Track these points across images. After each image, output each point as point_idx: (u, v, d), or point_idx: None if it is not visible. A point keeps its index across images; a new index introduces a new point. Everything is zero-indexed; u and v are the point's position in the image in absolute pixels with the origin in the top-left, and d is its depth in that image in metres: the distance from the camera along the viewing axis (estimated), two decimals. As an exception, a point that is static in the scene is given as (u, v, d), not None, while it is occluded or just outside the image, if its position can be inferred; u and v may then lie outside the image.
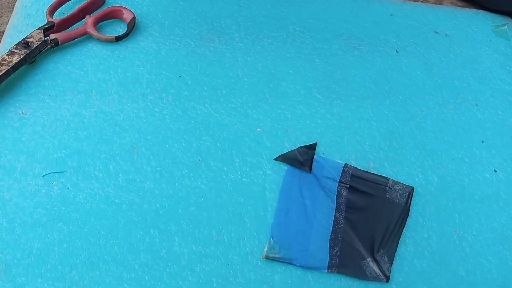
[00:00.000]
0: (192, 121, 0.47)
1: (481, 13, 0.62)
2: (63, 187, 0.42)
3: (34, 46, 0.48)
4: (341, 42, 0.56)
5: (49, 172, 0.42)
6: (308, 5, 0.59)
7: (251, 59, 0.53)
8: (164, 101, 0.48)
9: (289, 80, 0.51)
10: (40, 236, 0.39)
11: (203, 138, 0.46)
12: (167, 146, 0.45)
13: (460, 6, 0.62)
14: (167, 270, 0.39)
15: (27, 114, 0.46)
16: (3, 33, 0.51)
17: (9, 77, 0.47)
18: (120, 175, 0.43)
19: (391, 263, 0.41)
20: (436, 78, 0.54)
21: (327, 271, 0.40)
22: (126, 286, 0.38)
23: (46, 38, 0.49)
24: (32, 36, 0.49)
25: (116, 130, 0.45)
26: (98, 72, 0.49)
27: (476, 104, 0.53)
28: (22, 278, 0.37)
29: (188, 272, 0.39)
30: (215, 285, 0.39)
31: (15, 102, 0.46)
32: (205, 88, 0.50)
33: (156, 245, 0.40)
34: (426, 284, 0.41)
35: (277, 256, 0.40)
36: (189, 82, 0.50)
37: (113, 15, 0.53)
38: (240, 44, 0.54)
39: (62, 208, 0.41)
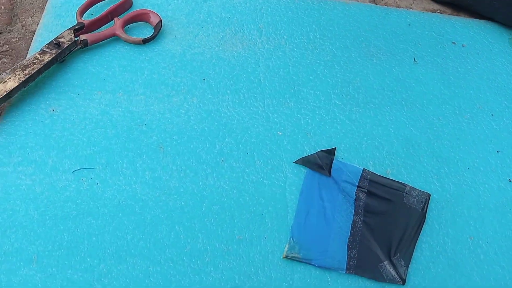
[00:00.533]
0: (216, 123, 0.49)
1: (498, 25, 0.63)
2: (92, 183, 0.44)
3: (65, 46, 0.50)
4: (360, 50, 0.58)
5: (78, 168, 0.44)
6: (328, 13, 0.61)
7: (273, 65, 0.55)
8: (189, 103, 0.50)
9: (309, 85, 0.53)
10: (70, 229, 0.41)
11: (226, 139, 0.48)
12: (192, 146, 0.47)
13: (476, 17, 0.64)
14: (191, 265, 0.41)
15: (57, 111, 0.48)
16: (34, 33, 0.53)
17: (41, 76, 0.49)
18: (146, 173, 0.45)
19: (407, 267, 0.43)
20: (452, 88, 0.56)
21: (345, 272, 0.42)
22: (152, 280, 0.40)
23: (76, 39, 0.51)
24: (63, 36, 0.51)
25: (143, 130, 0.48)
26: (126, 73, 0.51)
27: (492, 115, 0.54)
28: (53, 269, 0.39)
29: (212, 268, 0.41)
30: (237, 281, 0.41)
31: (46, 100, 0.49)
32: (228, 92, 0.52)
33: (181, 241, 0.42)
34: (441, 287, 0.42)
35: (297, 256, 0.42)
36: (213, 85, 0.52)
37: (140, 18, 0.56)
38: (262, 50, 0.56)
39: (91, 203, 0.43)
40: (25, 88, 0.48)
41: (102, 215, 0.42)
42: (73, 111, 0.48)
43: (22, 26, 0.55)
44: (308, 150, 0.49)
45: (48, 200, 0.42)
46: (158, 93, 0.50)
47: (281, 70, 0.54)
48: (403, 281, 0.42)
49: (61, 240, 0.41)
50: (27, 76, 0.47)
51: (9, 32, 0.54)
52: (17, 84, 0.47)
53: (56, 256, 0.40)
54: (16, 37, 0.54)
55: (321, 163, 0.48)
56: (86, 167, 0.45)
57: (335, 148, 0.49)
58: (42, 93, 0.49)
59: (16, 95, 0.47)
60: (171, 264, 0.41)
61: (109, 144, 0.46)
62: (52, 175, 0.44)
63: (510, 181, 0.49)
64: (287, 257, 0.42)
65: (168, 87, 0.51)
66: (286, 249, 0.42)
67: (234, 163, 0.47)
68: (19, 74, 0.47)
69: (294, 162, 0.48)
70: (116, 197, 0.43)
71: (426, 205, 0.46)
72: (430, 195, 0.47)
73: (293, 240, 0.43)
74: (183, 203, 0.44)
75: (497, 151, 0.51)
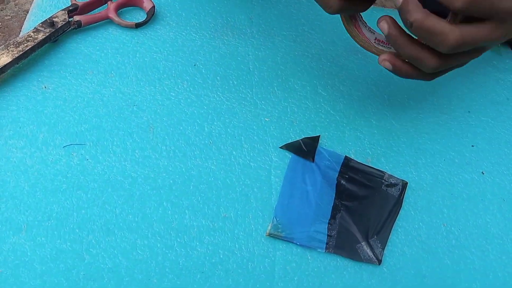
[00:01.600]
0: (205, 107, 0.52)
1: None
2: (83, 158, 0.46)
3: (59, 26, 0.52)
4: (346, 44, 0.61)
5: (69, 144, 0.46)
6: (316, 7, 0.65)
7: (262, 54, 0.58)
8: (180, 86, 0.53)
9: (296, 76, 0.57)
10: (60, 202, 0.43)
11: (215, 123, 0.51)
12: (181, 128, 0.50)
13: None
14: (178, 240, 0.43)
15: (49, 89, 0.50)
16: (27, 12, 0.55)
17: (34, 53, 0.51)
18: (136, 151, 0.47)
19: (383, 248, 0.46)
20: (433, 85, 0.60)
21: (325, 251, 0.45)
22: (139, 252, 0.42)
23: (70, 19, 0.53)
24: (57, 16, 0.53)
25: (134, 110, 0.50)
26: (118, 55, 0.54)
27: (469, 111, 0.59)
28: (42, 238, 0.41)
29: (197, 243, 0.43)
30: (221, 256, 0.43)
31: (38, 77, 0.50)
32: (218, 78, 0.55)
33: (168, 217, 0.44)
34: (414, 269, 0.46)
35: (279, 234, 0.45)
36: (203, 71, 0.55)
37: (134, 2, 0.58)
38: (252, 40, 0.59)
39: (81, 177, 0.45)
40: (18, 65, 0.50)
41: (92, 189, 0.44)
42: (65, 89, 0.50)
43: (15, 4, 0.57)
44: (294, 136, 0.52)
45: (39, 173, 0.44)
46: (149, 76, 0.53)
47: (270, 60, 0.57)
48: (379, 261, 0.45)
49: (50, 211, 0.43)
50: (21, 53, 0.49)
51: (1, 10, 0.56)
52: (10, 60, 0.48)
53: (45, 227, 0.42)
54: (9, 15, 0.56)
55: (305, 149, 0.51)
56: (77, 143, 0.47)
57: (319, 136, 0.52)
58: (34, 70, 0.51)
59: (8, 71, 0.49)
60: (158, 238, 0.43)
61: (100, 122, 0.48)
62: (43, 149, 0.46)
63: (483, 173, 0.53)
64: (270, 235, 0.45)
65: (159, 70, 0.53)
66: (269, 227, 0.45)
67: (222, 146, 0.50)
68: (12, 51, 0.49)
69: (280, 147, 0.51)
70: (106, 173, 0.45)
71: (403, 192, 0.50)
72: (407, 183, 0.50)
73: (276, 219, 0.46)
74: (171, 181, 0.46)
75: (472, 145, 0.55)
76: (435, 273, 0.46)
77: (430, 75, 0.41)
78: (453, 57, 0.37)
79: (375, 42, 0.45)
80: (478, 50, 0.37)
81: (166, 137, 0.49)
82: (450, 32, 0.33)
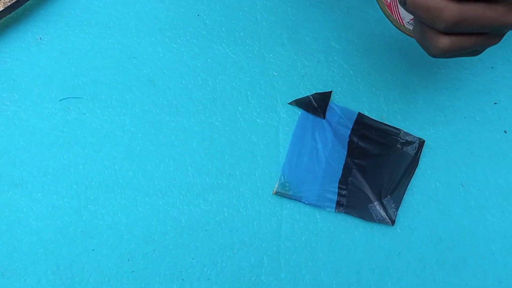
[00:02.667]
0: (209, 60, 0.49)
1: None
2: (80, 113, 0.44)
3: (53, -27, 0.49)
4: (362, -5, 0.57)
5: (66, 97, 0.44)
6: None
7: (271, 4, 0.54)
8: (182, 38, 0.49)
9: (307, 27, 0.53)
10: (56, 157, 0.41)
11: (219, 77, 0.48)
12: (184, 82, 0.47)
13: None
14: (180, 197, 0.41)
15: (44, 40, 0.47)
16: (20, -41, 0.51)
17: (28, 2, 0.48)
18: (136, 106, 0.45)
19: (397, 209, 0.44)
20: (454, 38, 0.56)
21: (335, 211, 0.43)
22: (140, 209, 0.40)
23: (65, -34, 0.50)
24: (51, -37, 0.50)
25: (133, 63, 0.47)
26: (117, 5, 0.50)
27: (492, 67, 0.54)
28: (38, 194, 0.40)
29: (201, 201, 0.41)
30: (226, 214, 0.41)
31: (33, 28, 0.48)
32: (223, 29, 0.51)
33: (170, 174, 0.42)
34: (429, 230, 0.43)
35: (287, 193, 0.43)
36: (207, 21, 0.51)
37: (134, -51, 0.54)
38: (260, -10, 0.55)
39: (79, 132, 0.43)
40: (10, 15, 0.47)
41: (90, 145, 0.42)
42: (61, 40, 0.47)
43: (8, -49, 0.53)
44: (304, 92, 0.49)
45: (34, 127, 0.42)
46: (149, 27, 0.50)
47: (279, 10, 0.53)
48: (393, 222, 0.43)
49: (46, 166, 0.41)
50: (13, 1, 0.46)
51: (-6, -43, 0.53)
52: (2, 8, 0.46)
53: (41, 182, 0.40)
54: (1, -37, 0.52)
55: (316, 105, 0.48)
56: (74, 96, 0.44)
57: (331, 91, 0.49)
58: (28, 21, 0.48)
59: (1, 21, 0.46)
60: (159, 195, 0.41)
61: (98, 75, 0.46)
62: (38, 103, 0.43)
63: (506, 132, 0.50)
64: (277, 193, 0.43)
65: (161, 21, 0.50)
66: (276, 185, 0.43)
67: (227, 101, 0.47)
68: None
69: (289, 103, 0.48)
70: (104, 127, 0.43)
71: (419, 151, 0.47)
72: (424, 141, 0.47)
73: (283, 177, 0.43)
74: (173, 137, 0.44)
75: (495, 103, 0.52)
76: (452, 235, 0.44)
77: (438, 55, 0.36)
78: (459, 38, 0.32)
79: (408, 23, 0.42)
80: (492, 34, 0.32)
81: (167, 91, 0.46)
82: (445, 8, 0.29)
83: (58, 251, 0.39)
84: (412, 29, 0.36)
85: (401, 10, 0.42)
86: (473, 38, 0.32)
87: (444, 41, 0.32)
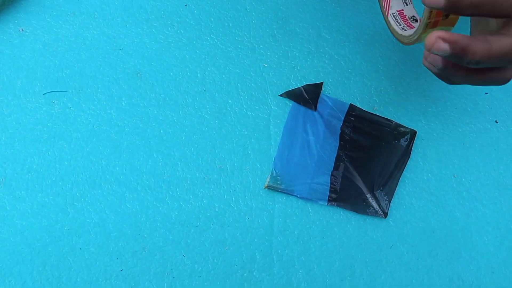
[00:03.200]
0: (198, 51, 0.47)
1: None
2: (65, 107, 0.42)
3: (34, -38, 0.47)
4: (352, -15, 0.56)
5: (50, 91, 0.42)
6: None
7: (260, -6, 0.52)
8: (169, 28, 0.48)
9: (298, 18, 0.52)
10: (40, 153, 0.40)
11: (208, 69, 0.47)
12: (172, 74, 0.46)
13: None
14: (170, 192, 0.40)
15: (27, 31, 0.45)
16: None
17: (8, -8, 0.46)
18: (123, 99, 0.43)
19: (389, 201, 0.43)
20: (445, 28, 0.55)
21: (327, 204, 0.42)
22: (128, 205, 0.39)
23: (46, -45, 0.48)
24: (32, -49, 0.47)
25: (119, 54, 0.45)
26: (101, -5, 0.49)
27: (483, 57, 0.54)
28: (22, 192, 0.38)
29: (191, 196, 0.40)
30: (217, 209, 0.40)
31: (14, 19, 0.46)
32: (212, 20, 0.50)
33: (159, 169, 0.41)
34: (422, 222, 0.43)
35: (278, 186, 0.42)
36: (195, 11, 0.50)
37: None
38: (249, -21, 0.53)
39: (64, 126, 0.41)
40: (-10, 5, 0.45)
41: (75, 140, 0.41)
42: (44, 31, 0.45)
43: None
44: (294, 83, 0.48)
45: (17, 122, 0.41)
46: (136, 17, 0.48)
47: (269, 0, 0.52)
48: (385, 215, 0.42)
49: (30, 163, 0.39)
50: (-8, -10, 0.44)
51: None
52: (-19, -1, 0.44)
53: (25, 179, 0.39)
54: (-21, -49, 0.50)
55: (307, 97, 0.47)
56: (58, 90, 0.43)
57: (322, 82, 0.48)
58: (10, 11, 0.46)
59: (-20, 11, 0.44)
60: (148, 191, 0.40)
61: (83, 67, 0.44)
62: (21, 96, 0.42)
63: (497, 122, 0.50)
64: (268, 187, 0.42)
65: (147, 11, 0.48)
66: (268, 179, 0.42)
67: (216, 94, 0.46)
68: (-17, -12, 0.44)
69: (279, 95, 0.47)
70: (90, 122, 0.42)
71: (411, 142, 0.46)
72: (416, 132, 0.47)
73: (275, 171, 0.42)
74: (161, 131, 0.43)
75: (486, 93, 0.51)
76: (445, 227, 0.43)
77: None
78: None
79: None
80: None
81: (155, 84, 0.45)
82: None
83: (44, 250, 0.37)
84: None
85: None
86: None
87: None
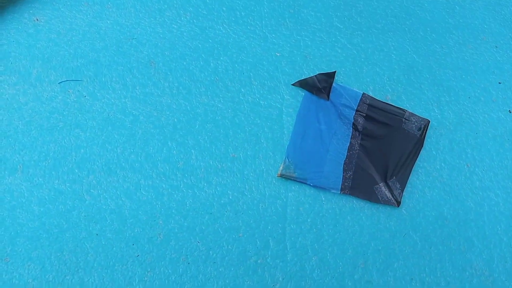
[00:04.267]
0: (210, 41, 0.48)
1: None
2: (80, 95, 0.42)
3: (48, -48, 0.47)
4: (365, -26, 0.56)
5: (65, 80, 0.43)
6: None
7: (272, -16, 0.52)
8: (182, 18, 0.48)
9: (310, 7, 0.52)
10: (57, 140, 0.40)
11: (221, 58, 0.47)
12: (185, 63, 0.46)
13: None
14: (184, 180, 0.40)
15: (41, 21, 0.46)
16: None
17: (22, -18, 0.46)
18: (137, 88, 0.44)
19: (402, 190, 0.43)
20: (457, 17, 0.55)
21: (340, 193, 0.42)
22: (143, 192, 0.39)
23: None
24: None
25: (133, 44, 0.46)
26: (114, -15, 0.49)
27: (496, 46, 0.54)
28: (40, 179, 0.39)
29: (205, 184, 0.41)
30: (230, 197, 0.40)
31: (29, 9, 0.46)
32: (224, 9, 0.50)
33: (173, 157, 0.41)
34: (435, 211, 0.43)
35: (291, 175, 0.42)
36: (208, 1, 0.50)
37: None
38: (261, -32, 0.53)
39: (79, 115, 0.42)
40: (5, -5, 0.45)
41: (91, 128, 0.41)
42: (58, 21, 0.46)
43: None
44: (307, 73, 0.48)
45: (33, 110, 0.41)
46: (149, 7, 0.48)
47: (281, -11, 0.52)
48: (398, 203, 0.43)
49: (47, 150, 0.40)
50: (8, -20, 0.45)
51: None
52: (-4, -12, 0.44)
53: (42, 167, 0.39)
54: None
55: (319, 86, 0.47)
56: (73, 79, 0.43)
57: (335, 71, 0.48)
58: (25, 2, 0.47)
59: (-5, 1, 0.45)
60: (163, 178, 0.40)
61: (97, 57, 0.45)
62: (37, 85, 0.42)
63: (510, 112, 0.49)
64: (282, 176, 0.42)
65: (160, 0, 0.49)
66: (281, 168, 0.42)
67: (229, 83, 0.46)
68: (-2, -22, 0.44)
69: (292, 85, 0.47)
70: (105, 110, 0.42)
71: (424, 131, 0.46)
72: (429, 121, 0.47)
73: (288, 160, 0.43)
74: (175, 120, 0.43)
75: (499, 82, 0.51)
76: (457, 216, 0.44)
77: None
78: None
79: None
80: None
81: (168, 73, 0.45)
82: None
83: (61, 236, 0.38)
84: None
85: None
86: None
87: None
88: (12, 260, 0.37)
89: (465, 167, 0.46)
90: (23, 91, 0.42)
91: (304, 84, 0.47)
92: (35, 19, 0.46)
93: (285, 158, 0.43)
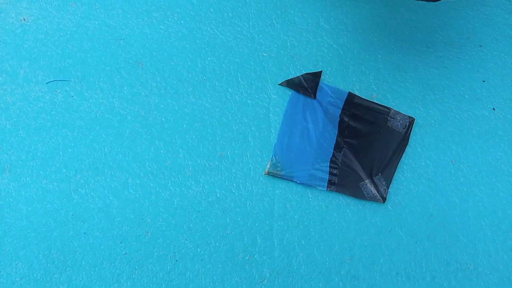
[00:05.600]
0: (198, 41, 0.48)
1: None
2: (67, 95, 0.43)
3: (36, -47, 0.48)
4: (351, -25, 0.57)
5: (52, 80, 0.43)
6: None
7: (259, -15, 0.53)
8: (169, 19, 0.49)
9: (297, 7, 0.52)
10: (44, 140, 0.41)
11: (208, 58, 0.48)
12: (172, 63, 0.47)
13: None
14: (172, 179, 0.41)
15: (29, 21, 0.46)
16: None
17: (9, -17, 0.46)
18: (125, 88, 0.44)
19: (388, 186, 0.44)
20: (442, 17, 0.56)
21: (326, 190, 0.43)
22: (131, 191, 0.40)
23: None
24: None
25: (121, 44, 0.46)
26: (102, -14, 0.49)
27: (480, 45, 0.55)
28: (27, 178, 0.39)
29: (193, 182, 0.41)
30: (218, 195, 0.41)
31: (16, 9, 0.47)
32: (211, 10, 0.50)
33: (161, 156, 0.42)
34: (420, 207, 0.44)
35: (279, 173, 0.43)
36: (195, 2, 0.51)
37: None
38: (248, -31, 0.54)
39: (67, 115, 0.42)
40: (-8, -4, 0.46)
41: (78, 127, 0.42)
42: (45, 21, 0.46)
43: None
44: (294, 72, 0.49)
45: (21, 110, 0.42)
46: (136, 8, 0.49)
47: (268, -10, 0.53)
48: (384, 199, 0.43)
49: (35, 150, 0.40)
50: (-5, -18, 0.45)
51: None
52: (-17, -10, 0.44)
53: (30, 166, 0.40)
54: None
55: (306, 85, 0.47)
56: (61, 79, 0.43)
57: (321, 71, 0.49)
58: (11, 1, 0.47)
59: (-18, 2, 0.45)
60: (151, 177, 0.41)
61: (85, 57, 0.45)
62: (25, 85, 0.43)
63: (494, 109, 0.51)
64: (269, 174, 0.43)
65: (148, 1, 0.49)
66: (268, 166, 0.43)
67: (216, 83, 0.47)
68: (-15, -20, 0.45)
69: (279, 84, 0.48)
70: (93, 110, 0.43)
71: (409, 129, 0.47)
72: (414, 119, 0.48)
73: (275, 158, 0.43)
74: (163, 119, 0.44)
75: (483, 81, 0.52)
76: (442, 211, 0.44)
77: None
78: None
79: None
80: None
81: (156, 73, 0.46)
82: None
83: (49, 235, 0.38)
84: None
85: None
86: None
87: None
88: (0, 259, 0.37)
89: (450, 163, 0.47)
90: (10, 91, 0.42)
91: (291, 83, 0.48)
92: (22, 19, 0.46)
93: (272, 156, 0.44)
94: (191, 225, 0.40)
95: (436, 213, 0.44)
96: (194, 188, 0.41)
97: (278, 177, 0.43)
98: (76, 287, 0.38)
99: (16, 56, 0.44)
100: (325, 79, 0.49)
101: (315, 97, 0.47)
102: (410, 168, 0.46)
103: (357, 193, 0.43)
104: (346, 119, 0.47)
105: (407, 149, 0.47)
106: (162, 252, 0.39)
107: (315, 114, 0.47)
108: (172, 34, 0.48)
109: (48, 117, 0.42)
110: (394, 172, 0.45)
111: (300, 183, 0.43)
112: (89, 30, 0.47)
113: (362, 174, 0.44)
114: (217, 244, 0.40)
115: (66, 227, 0.38)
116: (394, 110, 0.48)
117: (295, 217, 0.42)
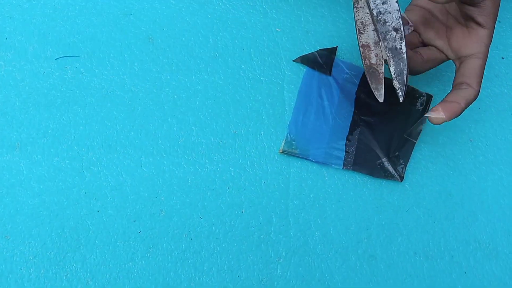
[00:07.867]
0: (209, 16, 0.47)
1: None
2: (77, 72, 0.42)
3: None
4: None
5: (62, 56, 0.42)
6: None
7: (272, -42, 0.51)
8: (180, -7, 0.47)
9: (311, -19, 0.51)
10: (55, 117, 0.40)
11: (221, 34, 0.46)
12: (183, 39, 0.45)
13: None
14: (185, 157, 0.40)
15: (36, -4, 0.45)
16: None
17: (15, -43, 0.45)
18: (135, 64, 0.43)
19: (405, 165, 0.43)
20: (461, -8, 0.54)
21: (342, 168, 0.42)
22: (144, 169, 0.39)
23: None
24: None
25: (131, 19, 0.45)
26: (110, -41, 0.48)
27: (499, 21, 0.53)
28: (38, 156, 0.38)
29: (206, 160, 0.40)
30: (232, 174, 0.40)
31: (22, -17, 0.45)
32: (223, -16, 0.49)
33: (174, 133, 0.41)
34: (438, 186, 0.43)
35: (293, 151, 0.42)
36: (207, -24, 0.49)
37: None
38: None
39: (77, 91, 0.41)
40: (-2, -30, 0.44)
41: (89, 104, 0.41)
42: (53, -4, 0.45)
43: None
44: (308, 48, 0.47)
45: (30, 87, 0.41)
46: (146, -18, 0.47)
47: (281, -37, 0.51)
48: (401, 178, 0.42)
49: (45, 128, 0.39)
50: (0, -46, 0.43)
51: None
52: (-11, -37, 0.43)
53: (41, 144, 0.39)
54: None
55: (321, 61, 0.46)
56: (70, 55, 0.42)
57: (337, 47, 0.47)
58: (18, -24, 0.45)
59: (-12, -24, 0.44)
60: (164, 155, 0.40)
61: (94, 32, 0.44)
62: (34, 62, 0.42)
63: (514, 87, 0.49)
64: (283, 152, 0.42)
65: (158, -25, 0.48)
66: (282, 144, 0.42)
67: (229, 59, 0.45)
68: (-9, -48, 0.43)
69: (293, 61, 0.46)
70: (104, 87, 0.42)
71: (427, 106, 0.46)
72: (432, 96, 0.46)
73: (290, 136, 0.42)
74: (175, 96, 0.42)
75: (502, 57, 0.51)
76: (461, 190, 0.43)
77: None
78: None
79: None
80: None
81: (167, 49, 0.44)
82: None
83: (62, 213, 0.38)
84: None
85: None
86: None
87: None
88: (13, 238, 0.37)
89: (468, 141, 0.46)
90: (19, 68, 0.41)
91: (305, 60, 0.46)
92: (29, -6, 0.45)
93: (287, 134, 0.43)
94: (205, 204, 0.39)
95: (455, 192, 0.43)
96: (208, 167, 0.40)
97: (293, 156, 0.42)
98: (90, 265, 0.37)
99: (25, 32, 0.43)
100: (340, 55, 0.48)
101: (330, 74, 0.46)
102: (428, 147, 0.45)
103: (374, 171, 0.42)
104: (362, 96, 0.45)
105: (424, 126, 0.45)
106: (176, 231, 0.39)
107: (331, 91, 0.45)
108: (183, 9, 0.47)
109: (58, 94, 0.41)
110: (412, 150, 0.44)
111: (315, 162, 0.42)
112: (98, 5, 0.45)
113: (379, 152, 0.43)
114: (232, 222, 0.40)
115: (79, 205, 0.37)
116: (412, 87, 0.47)
117: (311, 196, 0.41)
